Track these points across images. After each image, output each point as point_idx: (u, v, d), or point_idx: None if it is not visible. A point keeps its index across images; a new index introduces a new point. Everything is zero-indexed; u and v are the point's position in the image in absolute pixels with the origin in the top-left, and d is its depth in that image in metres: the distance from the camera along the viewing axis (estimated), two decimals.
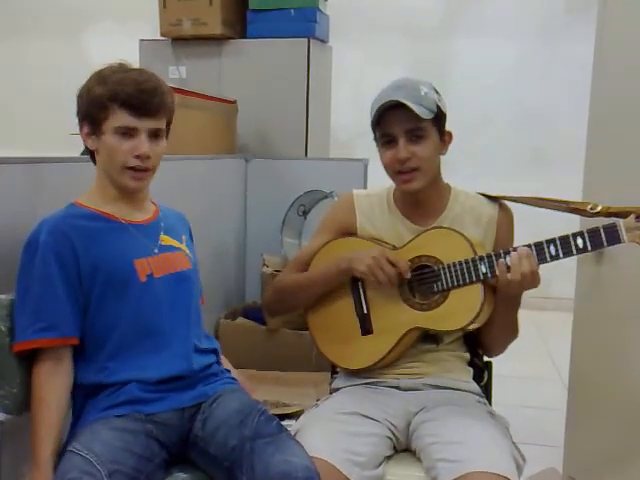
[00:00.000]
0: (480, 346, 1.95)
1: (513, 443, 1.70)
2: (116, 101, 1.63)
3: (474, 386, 1.90)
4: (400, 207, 1.91)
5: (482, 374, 1.97)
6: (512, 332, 1.87)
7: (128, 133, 1.65)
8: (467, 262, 1.73)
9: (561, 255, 1.65)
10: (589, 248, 1.62)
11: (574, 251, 1.64)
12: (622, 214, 1.61)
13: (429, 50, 5.83)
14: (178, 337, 1.71)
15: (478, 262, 1.72)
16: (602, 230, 1.59)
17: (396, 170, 1.79)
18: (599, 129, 2.38)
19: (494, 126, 5.78)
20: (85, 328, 1.65)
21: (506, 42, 5.73)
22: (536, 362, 4.00)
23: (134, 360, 1.66)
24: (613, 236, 1.58)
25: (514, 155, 5.76)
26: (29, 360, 1.60)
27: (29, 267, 1.62)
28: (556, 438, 2.67)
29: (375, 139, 1.85)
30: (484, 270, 1.71)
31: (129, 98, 1.63)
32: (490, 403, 1.95)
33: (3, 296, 1.63)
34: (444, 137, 1.83)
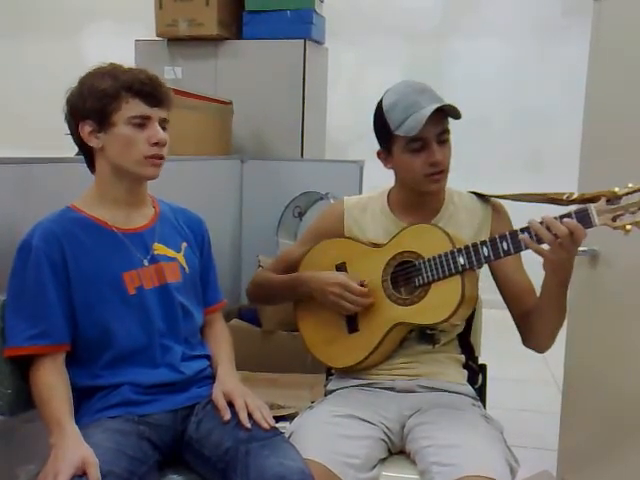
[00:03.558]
0: (527, 339, 1.86)
1: (507, 446, 1.70)
2: (130, 90, 1.63)
3: (469, 389, 1.90)
4: (396, 210, 1.91)
5: (477, 377, 1.97)
6: (565, 313, 1.78)
7: (142, 122, 1.65)
8: (446, 255, 1.74)
9: (535, 241, 1.64)
10: None
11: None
12: (594, 199, 1.61)
13: (426, 52, 5.84)
14: (166, 349, 1.71)
15: (456, 254, 1.73)
16: (574, 215, 1.59)
17: (427, 173, 1.78)
18: (594, 132, 2.38)
19: (491, 128, 5.78)
20: (78, 338, 1.65)
21: (503, 44, 5.74)
22: (530, 365, 4.00)
23: (128, 369, 1.66)
24: (585, 220, 1.58)
25: (510, 157, 5.77)
26: (23, 361, 1.60)
27: (22, 271, 1.61)
28: (550, 441, 2.67)
29: (385, 145, 1.83)
30: (462, 262, 1.72)
31: (143, 86, 1.64)
32: (484, 406, 1.95)
33: None
34: None
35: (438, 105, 1.72)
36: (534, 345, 1.85)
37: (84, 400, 1.63)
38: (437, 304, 1.76)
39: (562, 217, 1.60)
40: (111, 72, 1.66)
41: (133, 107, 1.64)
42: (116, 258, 1.68)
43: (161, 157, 1.69)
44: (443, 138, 1.77)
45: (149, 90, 1.65)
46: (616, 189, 1.57)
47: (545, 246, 1.62)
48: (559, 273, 1.68)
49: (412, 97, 1.75)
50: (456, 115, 1.75)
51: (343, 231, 1.95)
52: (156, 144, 1.66)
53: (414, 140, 1.76)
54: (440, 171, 1.78)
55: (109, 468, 1.43)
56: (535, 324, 1.80)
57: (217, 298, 1.94)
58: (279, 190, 3.50)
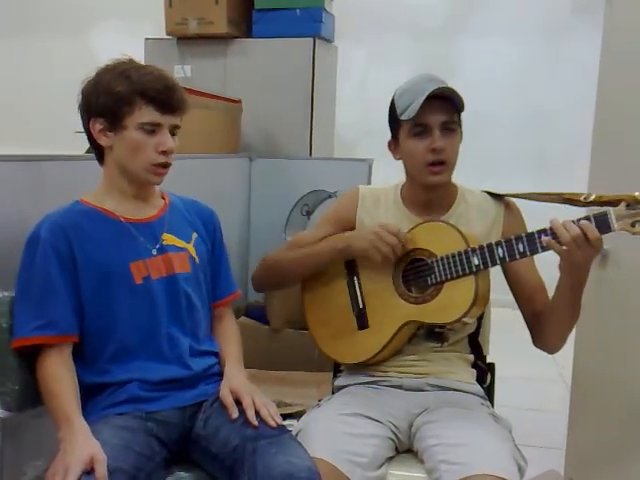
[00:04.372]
0: (537, 339, 1.85)
1: (515, 445, 1.70)
2: (144, 97, 1.63)
3: (477, 388, 1.89)
4: (408, 204, 1.91)
5: (485, 376, 1.97)
6: (577, 317, 1.78)
7: (152, 129, 1.65)
8: (460, 254, 1.73)
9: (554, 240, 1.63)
10: None
11: None
12: (614, 202, 1.59)
13: (434, 50, 5.82)
14: (173, 341, 1.70)
15: (470, 254, 1.72)
16: (593, 219, 1.58)
17: (428, 161, 1.78)
18: (604, 131, 2.37)
19: (498, 126, 5.76)
20: (84, 330, 1.65)
21: (511, 43, 5.72)
22: (539, 364, 3.98)
23: (135, 363, 1.66)
24: (604, 224, 1.57)
25: (518, 155, 5.75)
26: (30, 357, 1.60)
27: (30, 263, 1.62)
28: (557, 440, 2.67)
29: (394, 134, 1.85)
30: (476, 262, 1.71)
31: (158, 94, 1.63)
32: (493, 405, 1.95)
33: (5, 293, 1.63)
34: (460, 136, 1.84)
35: (437, 87, 1.72)
36: (544, 346, 1.85)
37: (91, 397, 1.63)
38: (450, 304, 1.75)
39: (580, 220, 1.59)
40: (128, 72, 1.65)
41: (145, 114, 1.64)
42: (123, 248, 1.69)
43: (167, 165, 1.69)
44: (448, 127, 1.77)
45: (164, 98, 1.64)
46: (636, 194, 1.55)
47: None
48: (573, 275, 1.67)
49: (421, 85, 1.76)
50: (458, 101, 1.75)
51: (355, 217, 1.95)
52: (164, 152, 1.66)
53: (417, 125, 1.77)
54: (441, 162, 1.78)
55: (117, 464, 1.43)
56: (546, 324, 1.79)
57: (230, 290, 1.92)
58: (287, 188, 3.50)
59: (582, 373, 2.46)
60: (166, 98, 1.65)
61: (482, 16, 5.80)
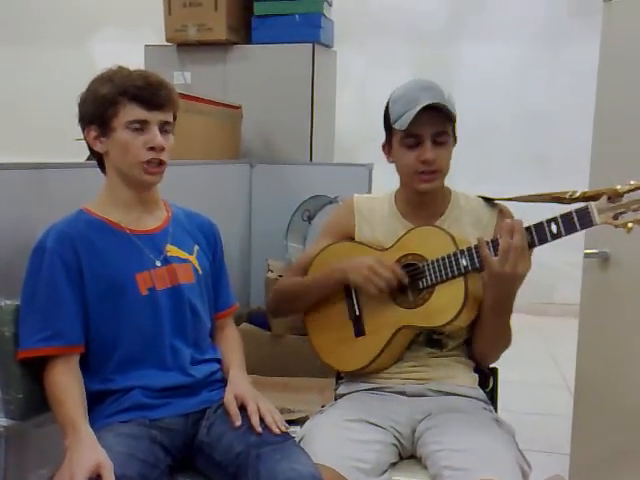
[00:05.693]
0: (472, 346, 1.90)
1: (519, 450, 1.70)
2: (126, 95, 1.64)
3: (480, 392, 1.89)
4: (402, 210, 1.92)
5: (487, 380, 1.97)
6: (503, 339, 1.83)
7: (140, 127, 1.65)
8: (449, 257, 1.74)
9: (536, 242, 1.64)
10: (563, 233, 1.61)
11: (549, 237, 1.63)
12: (597, 197, 1.60)
13: (433, 55, 5.84)
14: (176, 352, 1.71)
15: (459, 256, 1.73)
16: (574, 214, 1.58)
17: (418, 170, 1.79)
18: (604, 134, 2.37)
19: (497, 131, 5.78)
20: (88, 339, 1.65)
21: (510, 47, 5.74)
22: (541, 368, 3.99)
23: (138, 371, 1.66)
24: (585, 219, 1.57)
25: (517, 160, 5.76)
26: (34, 366, 1.60)
27: (36, 273, 1.62)
28: (562, 445, 2.66)
29: (388, 138, 1.86)
30: (465, 263, 1.72)
31: (139, 91, 1.64)
32: (496, 410, 1.94)
33: (8, 302, 1.63)
34: (455, 141, 1.85)
35: (430, 102, 1.72)
36: (474, 354, 1.89)
37: (96, 405, 1.63)
38: (441, 307, 1.76)
39: (562, 217, 1.60)
40: (112, 77, 1.67)
41: (129, 112, 1.65)
42: (129, 259, 1.69)
43: (160, 162, 1.69)
44: (440, 140, 1.78)
45: (146, 94, 1.65)
46: (617, 187, 1.56)
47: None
48: (494, 291, 1.70)
49: (415, 93, 1.77)
50: (450, 115, 1.77)
51: (354, 225, 1.96)
52: (152, 149, 1.66)
53: (409, 136, 1.78)
54: (431, 171, 1.79)
55: (122, 472, 1.43)
56: (475, 334, 1.84)
57: (229, 302, 1.94)
58: (288, 194, 3.50)
59: (585, 377, 2.46)
60: (149, 94, 1.65)
61: (481, 20, 5.81)
